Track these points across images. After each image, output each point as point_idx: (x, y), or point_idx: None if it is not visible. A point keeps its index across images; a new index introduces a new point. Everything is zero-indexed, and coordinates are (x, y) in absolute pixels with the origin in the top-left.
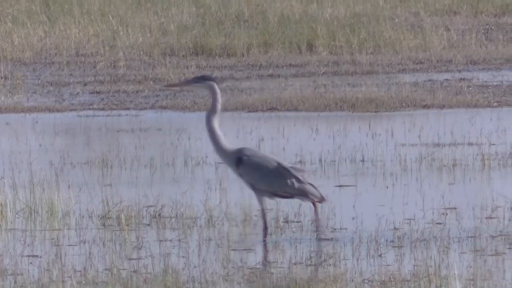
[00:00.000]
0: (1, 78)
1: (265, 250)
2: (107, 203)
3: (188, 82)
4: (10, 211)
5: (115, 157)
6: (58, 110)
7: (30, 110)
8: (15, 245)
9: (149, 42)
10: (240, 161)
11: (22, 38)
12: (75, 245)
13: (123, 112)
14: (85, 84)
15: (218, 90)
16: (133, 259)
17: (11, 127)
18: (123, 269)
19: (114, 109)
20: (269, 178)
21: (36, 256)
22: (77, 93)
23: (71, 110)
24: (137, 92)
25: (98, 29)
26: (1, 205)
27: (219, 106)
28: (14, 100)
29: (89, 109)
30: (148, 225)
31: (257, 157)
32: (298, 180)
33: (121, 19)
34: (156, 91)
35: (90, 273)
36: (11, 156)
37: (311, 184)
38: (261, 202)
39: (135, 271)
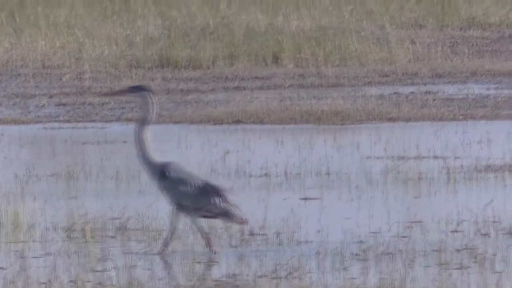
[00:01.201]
0: None
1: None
2: (73, 215)
3: (123, 91)
4: None
5: (81, 169)
6: (23, 122)
7: None
8: None
9: (115, 54)
10: (164, 175)
11: None
12: (40, 257)
13: (89, 125)
14: (51, 96)
15: (151, 101)
16: (98, 271)
17: None
18: (88, 281)
19: (80, 121)
20: (194, 195)
21: (1, 268)
22: (43, 105)
23: (36, 122)
24: (103, 104)
25: (65, 41)
26: None
27: (151, 117)
28: None
29: (55, 121)
30: (114, 237)
31: (182, 172)
32: (224, 200)
33: (87, 31)
34: (122, 104)
35: (55, 285)
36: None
37: (235, 206)
38: (175, 219)
39: (100, 283)
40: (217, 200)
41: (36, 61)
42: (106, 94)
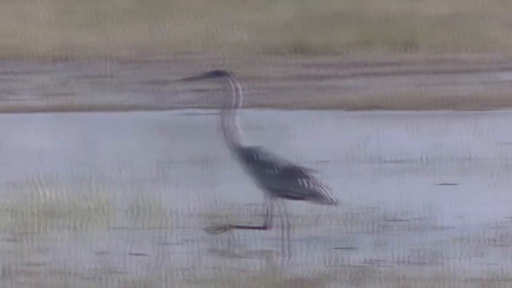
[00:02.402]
0: (107, 76)
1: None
2: (215, 202)
3: (203, 77)
4: (117, 210)
5: (217, 155)
6: (159, 108)
7: (132, 108)
8: (122, 244)
9: (251, 40)
10: (251, 159)
11: (127, 36)
12: (182, 244)
13: None
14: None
15: (234, 86)
16: (239, 257)
17: (114, 125)
18: (230, 267)
19: (215, 107)
20: (281, 177)
21: (144, 254)
22: (178, 92)
23: (172, 108)
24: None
25: (201, 27)
26: (108, 203)
27: (235, 102)
28: (118, 98)
29: (190, 107)
30: (251, 223)
31: (268, 155)
32: (312, 181)
33: (223, 17)
34: (257, 90)
35: (198, 272)
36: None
37: (324, 187)
38: (268, 200)
39: (241, 269)
40: (305, 181)
41: (172, 48)
42: (186, 80)
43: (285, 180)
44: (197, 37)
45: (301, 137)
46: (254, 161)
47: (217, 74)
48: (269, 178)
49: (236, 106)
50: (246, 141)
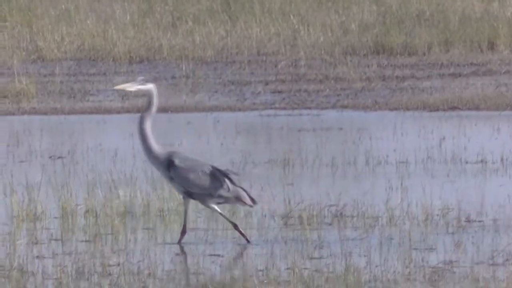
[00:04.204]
0: (183, 77)
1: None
2: (289, 202)
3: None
4: (192, 211)
5: (297, 156)
6: (239, 109)
7: (211, 109)
8: (197, 244)
9: (330, 41)
10: (172, 164)
11: (204, 37)
12: (257, 244)
13: (304, 112)
14: (266, 83)
15: (155, 93)
16: (314, 258)
17: (192, 126)
18: (305, 268)
19: (295, 108)
20: (203, 181)
21: (219, 255)
22: (259, 92)
23: (252, 109)
24: (318, 91)
25: (279, 28)
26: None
27: (154, 108)
28: (196, 99)
29: (271, 108)
30: (330, 224)
31: (189, 160)
32: (232, 183)
33: (302, 18)
34: (337, 91)
35: (272, 272)
36: (192, 155)
37: (243, 188)
38: (186, 206)
39: (316, 270)
40: (227, 184)
41: (251, 48)
42: (118, 88)
43: (207, 184)
44: (277, 38)
45: (381, 138)
46: (175, 166)
47: (144, 81)
48: (191, 183)
49: (152, 112)
50: (157, 147)
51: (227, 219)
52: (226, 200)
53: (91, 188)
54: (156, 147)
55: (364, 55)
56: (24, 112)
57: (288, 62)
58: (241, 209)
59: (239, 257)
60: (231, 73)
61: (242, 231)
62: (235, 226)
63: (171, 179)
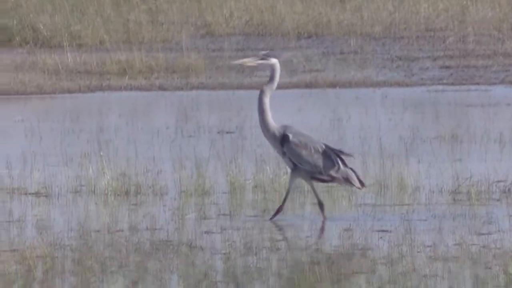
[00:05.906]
0: (351, 52)
1: None
2: (457, 178)
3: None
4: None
5: (465, 132)
6: (407, 85)
7: (379, 84)
8: (365, 220)
9: (498, 17)
10: (286, 138)
11: (372, 12)
12: (425, 220)
13: (473, 87)
14: (434, 59)
15: (278, 68)
16: (482, 234)
17: (360, 101)
18: (473, 244)
19: (463, 84)
20: (315, 158)
21: (386, 231)
22: (427, 68)
23: (420, 85)
24: (486, 67)
25: (448, 4)
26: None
27: (275, 83)
28: (364, 74)
29: (439, 84)
30: (498, 200)
31: (303, 136)
32: (344, 164)
33: None
34: (506, 66)
35: (440, 248)
36: (361, 131)
37: (353, 170)
38: (292, 182)
39: (484, 246)
40: (339, 163)
41: (419, 24)
42: (237, 63)
43: (319, 161)
44: (445, 14)
45: None
46: (289, 141)
47: (268, 56)
48: (303, 159)
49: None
50: (273, 121)
51: (317, 197)
52: (334, 179)
53: (260, 163)
54: (271, 121)
55: None
56: (192, 87)
57: (456, 38)
58: (409, 185)
59: (407, 233)
60: (399, 48)
61: (324, 212)
62: (321, 206)
63: (283, 154)
